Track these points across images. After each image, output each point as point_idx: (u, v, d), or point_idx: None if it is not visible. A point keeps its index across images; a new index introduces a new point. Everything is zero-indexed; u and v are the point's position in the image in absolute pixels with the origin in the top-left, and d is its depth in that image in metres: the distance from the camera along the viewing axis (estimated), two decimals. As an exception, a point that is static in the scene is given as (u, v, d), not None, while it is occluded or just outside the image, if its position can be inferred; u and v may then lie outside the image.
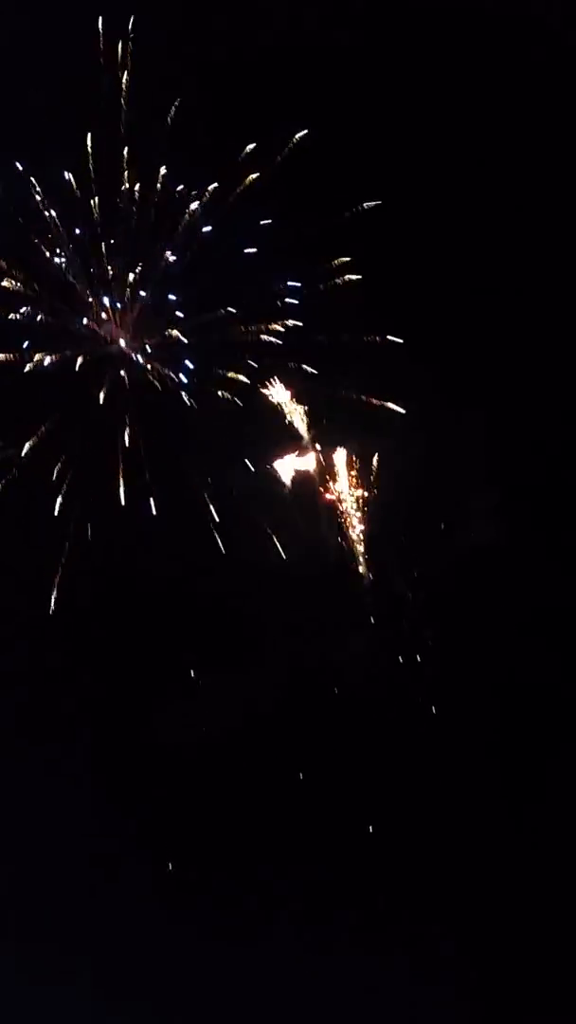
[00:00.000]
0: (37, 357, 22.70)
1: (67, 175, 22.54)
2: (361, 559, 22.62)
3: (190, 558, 21.93)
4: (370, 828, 21.25)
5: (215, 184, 22.56)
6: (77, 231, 22.99)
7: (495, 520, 22.15)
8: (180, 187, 22.60)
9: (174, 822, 21.19)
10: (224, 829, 21.25)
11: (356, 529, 22.72)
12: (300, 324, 22.55)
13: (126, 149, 22.54)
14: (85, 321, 23.49)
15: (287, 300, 22.61)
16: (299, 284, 22.55)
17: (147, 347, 23.51)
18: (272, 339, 22.82)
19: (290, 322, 22.69)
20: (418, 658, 22.04)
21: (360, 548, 22.64)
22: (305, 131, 21.95)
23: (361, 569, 22.63)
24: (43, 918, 20.35)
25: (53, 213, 22.78)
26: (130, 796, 21.31)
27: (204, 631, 22.09)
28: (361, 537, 22.66)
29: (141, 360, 23.48)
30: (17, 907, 20.50)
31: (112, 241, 23.11)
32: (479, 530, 22.09)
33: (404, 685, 21.69)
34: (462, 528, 22.31)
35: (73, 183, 22.59)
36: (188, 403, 22.98)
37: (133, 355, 23.49)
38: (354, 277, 22.09)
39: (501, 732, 21.30)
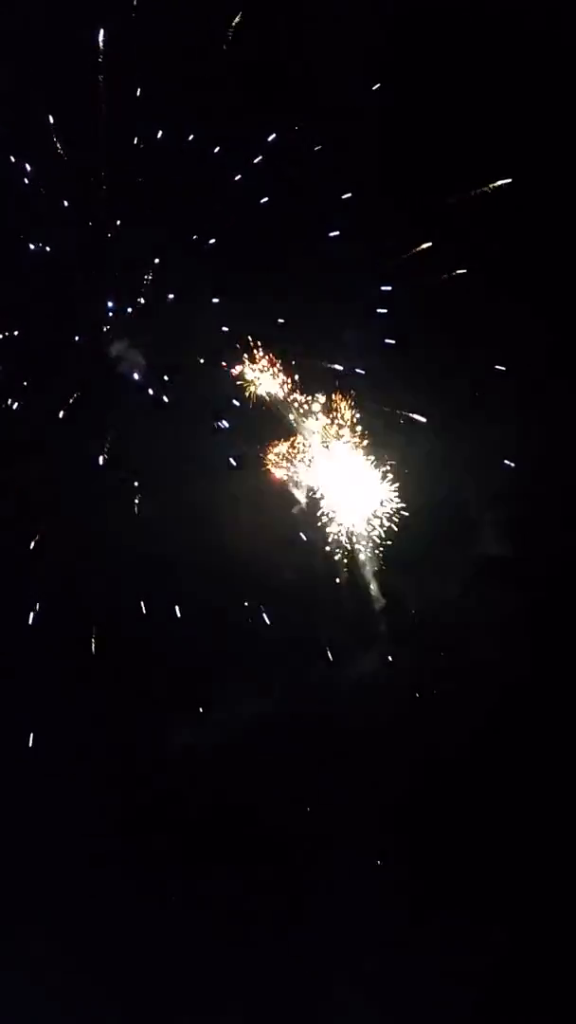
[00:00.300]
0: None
1: (51, 120, 19.59)
2: (373, 584, 21.71)
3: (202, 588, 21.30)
4: (378, 862, 21.22)
5: (273, 136, 19.87)
6: (66, 203, 20.37)
7: (507, 541, 22.03)
8: (217, 148, 20.10)
9: (179, 842, 21.40)
10: (229, 854, 21.41)
11: (368, 551, 21.63)
12: (392, 343, 20.20)
13: (139, 90, 19.51)
14: (78, 337, 21.14)
15: (378, 310, 20.37)
16: (390, 287, 20.08)
17: (168, 376, 21.03)
18: (352, 368, 20.54)
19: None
20: (434, 692, 21.57)
21: (371, 571, 21.82)
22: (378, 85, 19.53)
23: (373, 593, 21.69)
24: (42, 917, 21.53)
25: (29, 168, 20.01)
26: (136, 812, 21.50)
27: (212, 656, 21.35)
28: (376, 555, 21.64)
29: (164, 398, 21.07)
30: (17, 906, 21.43)
31: (119, 222, 20.61)
32: (490, 548, 22.20)
33: (418, 721, 21.59)
34: (477, 549, 22.19)
35: (57, 141, 19.82)
36: (232, 463, 20.53)
37: (148, 388, 21.00)
38: (461, 272, 19.98)
39: (519, 771, 21.48)
